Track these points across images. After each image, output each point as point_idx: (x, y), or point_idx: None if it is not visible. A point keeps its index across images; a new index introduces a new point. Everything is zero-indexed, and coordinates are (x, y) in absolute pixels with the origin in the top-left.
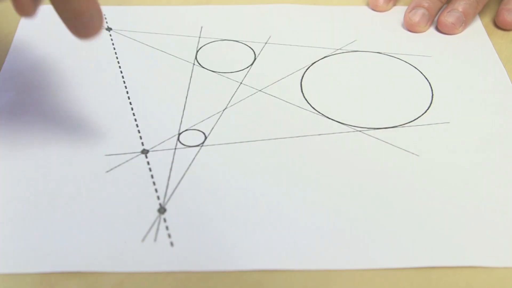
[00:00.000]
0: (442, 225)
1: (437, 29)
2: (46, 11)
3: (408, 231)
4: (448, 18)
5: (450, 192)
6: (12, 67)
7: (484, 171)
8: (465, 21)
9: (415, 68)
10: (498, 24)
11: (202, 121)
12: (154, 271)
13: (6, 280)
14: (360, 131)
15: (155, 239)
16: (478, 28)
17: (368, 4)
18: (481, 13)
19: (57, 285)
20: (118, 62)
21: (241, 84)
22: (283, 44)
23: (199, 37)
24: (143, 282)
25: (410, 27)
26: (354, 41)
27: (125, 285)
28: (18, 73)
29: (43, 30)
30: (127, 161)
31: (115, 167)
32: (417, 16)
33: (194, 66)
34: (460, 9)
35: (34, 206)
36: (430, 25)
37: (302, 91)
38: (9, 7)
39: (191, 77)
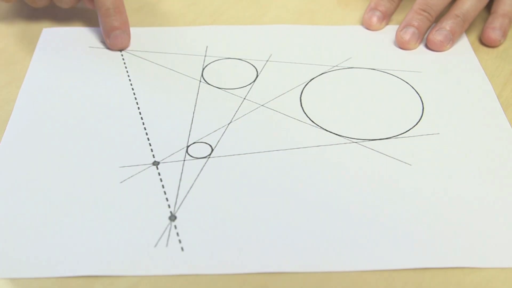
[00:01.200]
0: (434, 229)
1: (427, 46)
2: (61, 33)
3: (401, 235)
4: (437, 36)
5: (440, 199)
6: (31, 86)
7: (472, 178)
8: (452, 38)
9: (407, 83)
10: (483, 41)
11: (209, 134)
12: (166, 275)
13: (28, 284)
14: (356, 142)
15: (166, 245)
16: (465, 45)
17: (362, 24)
18: (467, 31)
19: None
20: (130, 80)
21: (245, 100)
22: (283, 62)
23: (205, 56)
24: (156, 284)
25: (401, 44)
26: (349, 58)
27: (139, 287)
28: (37, 91)
29: (59, 51)
30: (139, 172)
31: (129, 178)
32: (408, 34)
33: (201, 83)
34: (448, 28)
35: (53, 214)
36: (420, 43)
37: (301, 106)
38: (26, 32)
39: (197, 93)
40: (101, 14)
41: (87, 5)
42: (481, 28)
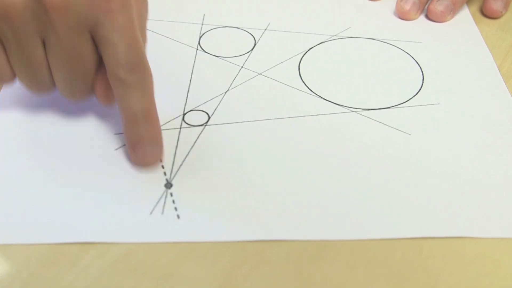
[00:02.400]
0: (433, 199)
1: (427, 17)
2: None
3: (401, 204)
4: (438, 6)
5: (439, 168)
6: None
7: (472, 148)
8: (453, 9)
9: (407, 53)
10: (484, 13)
11: (206, 102)
12: (162, 242)
13: (22, 250)
14: (355, 111)
15: (162, 212)
16: (466, 16)
17: None
18: (468, 2)
19: (70, 254)
20: None
21: (242, 68)
22: (282, 31)
23: (202, 24)
24: (151, 251)
25: (401, 14)
26: (349, 28)
27: (133, 254)
28: None
29: None
30: None
31: (124, 145)
32: (408, 4)
33: (197, 51)
34: None
35: (47, 181)
36: (420, 13)
37: (300, 75)
38: None
39: (194, 61)
40: (126, 120)
41: (101, 102)
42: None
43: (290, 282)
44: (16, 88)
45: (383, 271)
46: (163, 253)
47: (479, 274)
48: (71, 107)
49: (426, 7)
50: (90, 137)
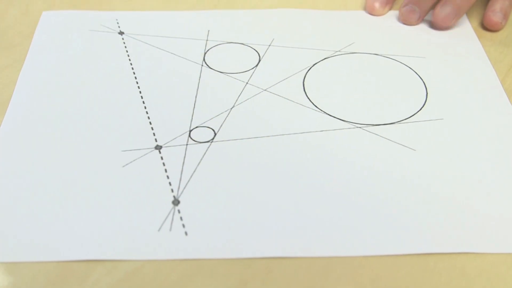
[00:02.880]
0: (438, 214)
1: (431, 25)
2: (61, 16)
3: (406, 220)
4: (442, 11)
5: (444, 183)
6: (30, 69)
7: (476, 163)
8: (457, 14)
9: (410, 68)
10: (485, 25)
11: (212, 118)
12: (170, 259)
13: (30, 267)
14: (359, 127)
15: (170, 229)
16: (468, 31)
17: (365, 9)
18: (470, 17)
19: (78, 272)
20: (131, 64)
21: (247, 84)
22: (286, 47)
23: (207, 40)
24: (159, 268)
25: (403, 20)
26: (352, 43)
27: (141, 272)
28: (37, 74)
29: (59, 34)
30: (142, 156)
31: (131, 162)
32: (409, 13)
33: (203, 67)
34: (453, 3)
35: (55, 198)
36: (421, 20)
37: (304, 90)
38: (26, 15)
39: (199, 77)
40: None
41: None
42: (483, 13)
43: None
44: (23, 108)
45: (390, 287)
46: (171, 270)
47: None
48: (79, 125)
49: (430, 12)
50: (98, 154)
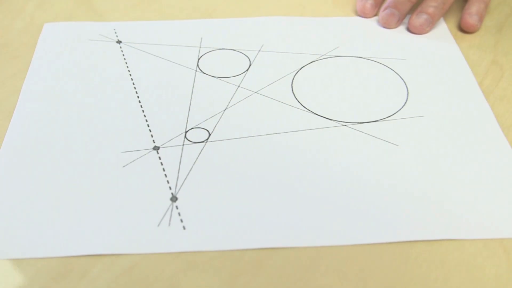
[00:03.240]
0: (420, 204)
1: (408, 30)
2: (62, 27)
3: (390, 210)
4: (417, 20)
5: (426, 176)
6: (34, 78)
7: (455, 156)
8: (432, 21)
9: (391, 69)
10: (462, 27)
11: (206, 120)
12: (168, 252)
13: (33, 264)
14: (345, 125)
15: (169, 224)
16: (445, 34)
17: (357, 12)
18: (447, 19)
19: (79, 268)
20: (129, 71)
21: (239, 87)
22: (275, 52)
23: (200, 47)
24: (154, 264)
25: (383, 24)
26: (337, 47)
27: (138, 267)
28: (41, 82)
29: (60, 44)
30: (141, 157)
31: (131, 162)
32: (389, 15)
33: (197, 72)
34: (428, 12)
35: (58, 197)
36: (399, 23)
37: (293, 92)
38: (29, 27)
39: (194, 82)
40: None
41: None
42: (460, 15)
43: None
44: (28, 114)
45: (373, 278)
46: (167, 265)
47: (463, 279)
48: (81, 129)
49: (407, 21)
50: (99, 155)
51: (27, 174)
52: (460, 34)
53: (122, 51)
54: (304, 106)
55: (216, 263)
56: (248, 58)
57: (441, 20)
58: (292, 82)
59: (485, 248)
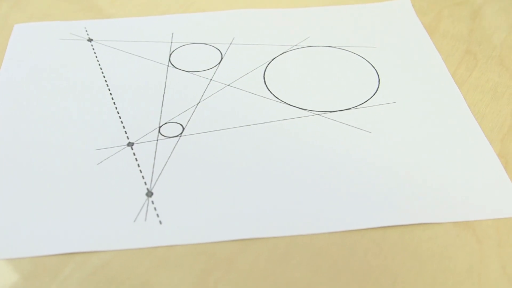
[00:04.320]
0: (394, 190)
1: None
2: (32, 28)
3: (365, 196)
4: None
5: (398, 161)
6: (5, 79)
7: (426, 142)
8: None
9: (362, 58)
10: None
11: (179, 114)
12: (147, 247)
13: (6, 264)
14: (318, 114)
15: (145, 219)
16: (414, 21)
17: (319, 5)
18: (418, 10)
19: (50, 267)
20: (101, 69)
21: (211, 81)
22: (246, 44)
23: (171, 42)
24: (126, 261)
25: None
26: (308, 38)
27: (111, 265)
28: (12, 83)
29: (31, 44)
30: (115, 153)
31: (105, 159)
32: None
33: (169, 67)
34: None
35: (34, 197)
36: None
37: (265, 83)
38: (2, 28)
39: (166, 77)
40: None
41: None
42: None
43: (258, 286)
44: (1, 114)
45: (345, 271)
46: (138, 263)
47: (437, 269)
48: (55, 128)
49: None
50: (73, 154)
51: (1, 173)
52: (434, 24)
53: (93, 49)
54: (277, 97)
55: (188, 260)
56: (220, 51)
57: (411, 8)
58: (264, 74)
59: (458, 238)
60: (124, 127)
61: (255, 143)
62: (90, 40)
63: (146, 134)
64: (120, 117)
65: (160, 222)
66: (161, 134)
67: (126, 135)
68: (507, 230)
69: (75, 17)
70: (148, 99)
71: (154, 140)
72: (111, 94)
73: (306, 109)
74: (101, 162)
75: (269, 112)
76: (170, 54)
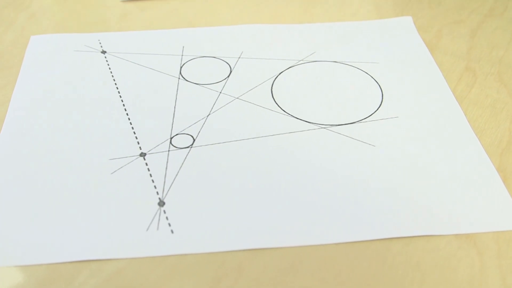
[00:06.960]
0: (397, 202)
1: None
2: (48, 39)
3: (368, 209)
4: None
5: (401, 174)
6: (23, 89)
7: (429, 155)
8: None
9: (366, 73)
10: None
11: (190, 126)
12: (156, 256)
13: (22, 271)
14: (324, 127)
15: (157, 228)
16: (415, 38)
17: (325, 21)
18: (422, 32)
19: (66, 274)
20: (114, 80)
21: (221, 93)
22: (254, 58)
23: (182, 55)
24: (140, 269)
25: None
26: (314, 53)
27: (124, 272)
28: (29, 93)
29: (47, 55)
30: (128, 163)
31: (118, 169)
32: None
33: (179, 80)
34: None
35: (48, 205)
36: None
37: (273, 97)
38: (19, 38)
39: (177, 89)
40: None
41: None
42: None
43: None
44: (18, 124)
45: (350, 281)
46: (152, 270)
47: (439, 280)
48: (69, 138)
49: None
50: (88, 163)
51: (16, 182)
52: (435, 41)
53: (107, 60)
54: (284, 110)
55: (199, 268)
56: (229, 65)
57: (412, 25)
58: (271, 87)
59: (460, 250)
60: (136, 138)
61: (262, 154)
62: (103, 52)
63: (158, 145)
64: (132, 128)
65: (172, 231)
66: (172, 145)
67: (139, 145)
68: (506, 242)
69: (90, 29)
70: (160, 111)
71: (166, 151)
72: (124, 105)
73: (312, 122)
74: (115, 171)
75: (276, 125)
76: (181, 67)
